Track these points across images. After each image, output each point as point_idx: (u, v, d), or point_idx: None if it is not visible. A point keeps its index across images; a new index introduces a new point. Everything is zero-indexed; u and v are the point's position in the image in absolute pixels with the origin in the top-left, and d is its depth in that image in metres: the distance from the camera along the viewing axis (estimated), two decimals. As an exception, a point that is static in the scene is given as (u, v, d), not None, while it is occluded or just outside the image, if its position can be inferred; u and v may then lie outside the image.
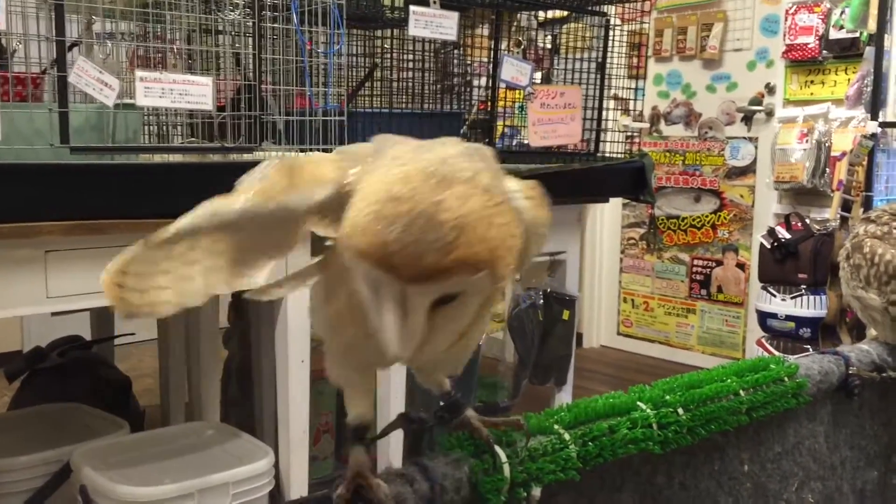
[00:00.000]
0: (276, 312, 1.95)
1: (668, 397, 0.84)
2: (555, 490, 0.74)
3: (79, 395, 2.28)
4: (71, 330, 2.78)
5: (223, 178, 1.78)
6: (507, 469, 0.69)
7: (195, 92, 1.67)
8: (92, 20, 2.05)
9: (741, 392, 0.89)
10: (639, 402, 0.82)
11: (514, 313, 2.47)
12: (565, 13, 2.99)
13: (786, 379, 0.94)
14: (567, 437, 0.74)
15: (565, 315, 2.48)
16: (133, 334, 2.76)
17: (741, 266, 3.99)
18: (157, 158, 1.82)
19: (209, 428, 2.13)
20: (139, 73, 1.61)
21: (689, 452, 0.87)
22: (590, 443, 0.75)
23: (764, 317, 3.45)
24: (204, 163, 1.84)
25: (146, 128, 2.10)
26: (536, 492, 0.71)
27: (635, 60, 2.80)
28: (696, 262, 4.15)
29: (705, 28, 4.00)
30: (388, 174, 0.56)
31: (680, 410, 0.83)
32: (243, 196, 0.68)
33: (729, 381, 0.90)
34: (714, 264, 4.09)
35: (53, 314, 4.05)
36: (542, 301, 2.48)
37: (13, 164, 1.51)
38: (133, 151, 1.72)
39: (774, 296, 3.41)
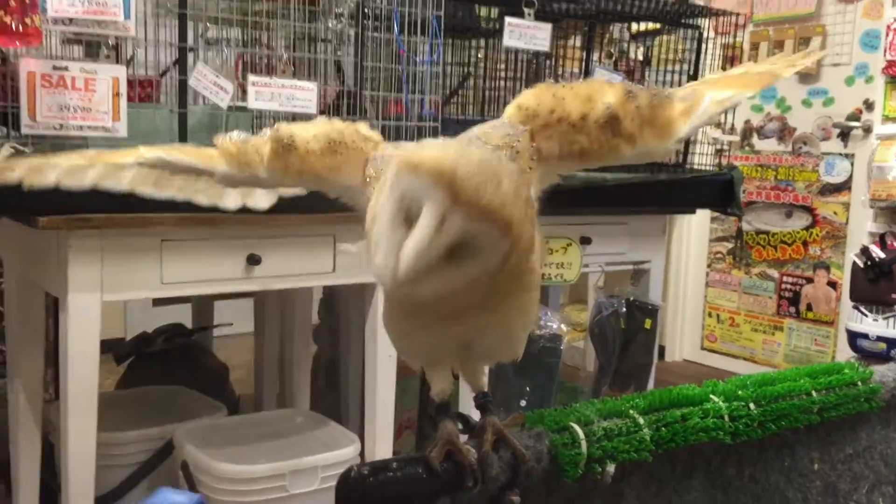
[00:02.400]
0: (367, 309, 2.05)
1: (740, 392, 0.88)
2: (628, 470, 0.80)
3: (180, 379, 2.43)
4: (170, 319, 2.94)
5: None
6: (584, 445, 0.75)
7: (301, 96, 1.79)
8: (207, 28, 2.19)
9: (813, 392, 0.93)
10: (711, 395, 0.87)
11: (596, 320, 2.52)
12: (658, 25, 3.01)
13: (859, 383, 0.97)
14: (641, 421, 0.80)
15: (647, 324, 2.51)
16: (231, 325, 2.91)
17: (832, 284, 3.92)
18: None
19: (300, 415, 2.25)
20: (251, 78, 1.73)
21: (759, 447, 0.91)
22: (663, 428, 0.81)
23: (854, 337, 3.38)
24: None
25: (252, 130, 2.23)
26: (611, 468, 0.76)
27: (728, 73, 2.80)
28: (785, 278, 4.09)
29: (803, 42, 3.95)
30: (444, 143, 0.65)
31: (751, 405, 0.88)
32: (222, 161, 0.76)
33: (802, 381, 0.94)
34: (804, 282, 4.02)
35: (154, 304, 4.27)
36: (624, 309, 2.51)
37: (136, 160, 1.65)
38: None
39: (866, 316, 3.35)
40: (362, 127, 0.80)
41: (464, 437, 0.75)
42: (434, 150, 0.60)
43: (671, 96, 0.76)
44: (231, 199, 0.89)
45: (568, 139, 0.74)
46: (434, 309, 0.66)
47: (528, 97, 0.77)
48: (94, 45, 1.69)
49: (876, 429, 1.02)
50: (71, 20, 1.52)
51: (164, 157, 0.77)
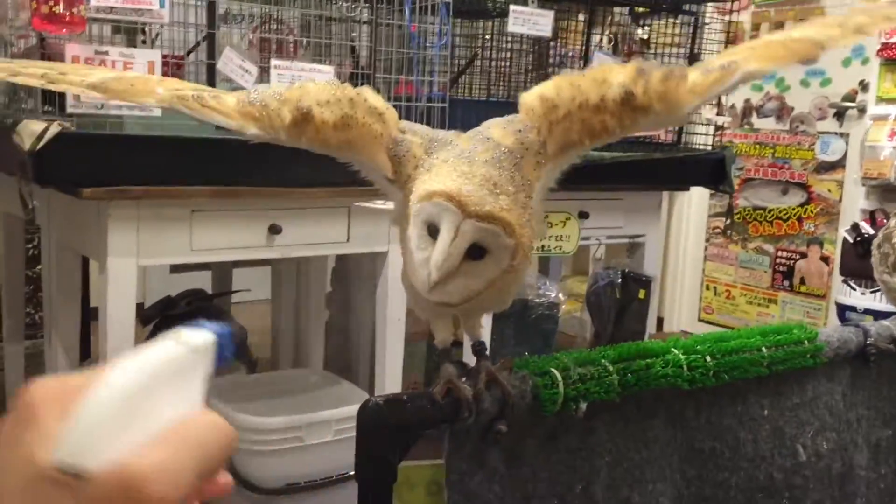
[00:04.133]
0: (378, 276, 2.21)
1: (698, 347, 1.04)
2: (598, 408, 0.95)
3: (202, 341, 2.59)
4: (187, 286, 3.09)
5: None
6: (561, 386, 0.91)
7: (320, 79, 1.93)
8: (228, 10, 2.33)
9: (763, 349, 1.08)
10: (673, 349, 1.02)
11: (593, 289, 2.67)
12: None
13: (805, 342, 1.13)
14: (611, 368, 0.95)
15: (641, 294, 2.66)
16: (249, 290, 3.07)
17: (825, 259, 4.06)
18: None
19: (314, 374, 2.42)
20: (274, 62, 1.88)
21: (715, 394, 1.07)
22: (629, 374, 0.96)
23: (843, 310, 3.53)
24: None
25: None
26: (583, 406, 0.92)
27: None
28: (780, 253, 4.24)
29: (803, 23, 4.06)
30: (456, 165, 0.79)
31: (708, 358, 1.03)
32: (251, 125, 0.82)
33: (754, 339, 1.09)
34: (798, 256, 4.16)
35: (172, 271, 4.44)
36: (619, 280, 2.66)
37: (169, 137, 1.80)
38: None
39: (854, 289, 3.49)
40: (370, 96, 0.87)
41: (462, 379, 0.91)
42: (444, 181, 0.76)
43: (685, 74, 0.81)
44: None
45: (591, 121, 0.83)
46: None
47: (549, 87, 0.87)
48: (132, 31, 1.83)
49: (822, 382, 1.18)
50: (112, 9, 1.67)
51: (198, 115, 0.83)
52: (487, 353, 0.94)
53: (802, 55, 0.82)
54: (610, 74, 0.84)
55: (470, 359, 0.94)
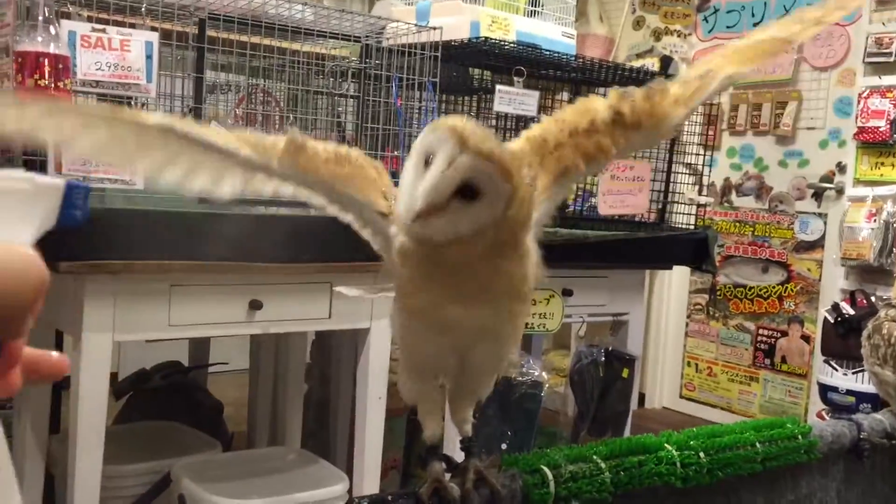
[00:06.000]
0: (360, 352, 2.17)
1: (692, 442, 1.01)
2: (590, 508, 0.92)
3: (176, 415, 2.53)
4: (164, 355, 3.03)
5: (323, 229, 2.00)
6: (552, 485, 0.88)
7: (305, 155, 1.92)
8: (215, 81, 2.33)
9: (757, 444, 1.06)
10: (666, 444, 0.99)
11: (576, 368, 2.64)
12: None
13: (799, 437, 1.10)
14: (603, 465, 0.92)
15: (625, 373, 2.63)
16: (226, 363, 3.01)
17: (806, 338, 4.06)
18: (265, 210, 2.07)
19: (291, 453, 2.35)
20: (260, 137, 1.87)
21: (709, 491, 1.04)
22: (622, 472, 0.93)
23: (825, 390, 3.51)
24: (307, 216, 2.07)
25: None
26: (575, 506, 0.89)
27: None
28: (761, 331, 4.24)
29: (779, 106, 4.14)
30: None
31: (701, 454, 1.00)
32: (246, 147, 0.77)
33: (747, 434, 1.07)
34: (779, 335, 4.16)
35: (148, 342, 4.35)
36: (603, 358, 2.64)
37: (150, 211, 1.78)
38: (249, 204, 1.97)
39: (836, 370, 3.48)
40: (362, 155, 0.87)
41: (449, 476, 0.88)
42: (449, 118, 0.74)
43: (666, 89, 0.84)
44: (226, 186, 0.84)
45: (585, 144, 0.84)
46: (447, 262, 0.75)
47: (533, 129, 0.88)
48: (117, 102, 1.82)
49: (816, 478, 1.15)
50: (98, 82, 1.66)
51: (193, 134, 0.75)
52: (474, 449, 0.90)
53: (772, 53, 0.90)
54: (592, 104, 0.86)
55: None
